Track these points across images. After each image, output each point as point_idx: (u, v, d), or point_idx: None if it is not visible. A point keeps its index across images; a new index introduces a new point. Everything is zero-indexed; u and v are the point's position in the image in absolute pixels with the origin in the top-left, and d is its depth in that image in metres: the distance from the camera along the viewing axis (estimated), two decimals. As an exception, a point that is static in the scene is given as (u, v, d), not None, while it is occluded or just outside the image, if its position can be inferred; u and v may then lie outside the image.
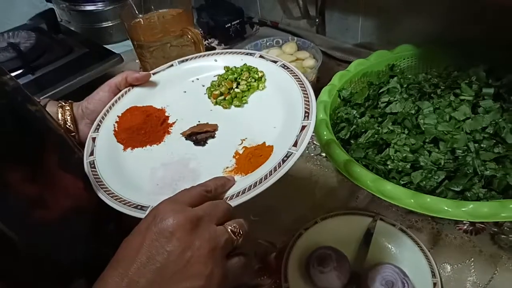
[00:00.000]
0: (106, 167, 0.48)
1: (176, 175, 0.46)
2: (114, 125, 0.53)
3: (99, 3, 1.16)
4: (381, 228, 0.61)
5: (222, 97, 0.55)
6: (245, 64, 0.58)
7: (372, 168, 0.62)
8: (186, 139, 0.51)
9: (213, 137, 0.50)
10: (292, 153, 0.41)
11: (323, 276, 0.54)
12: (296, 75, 0.52)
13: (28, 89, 0.84)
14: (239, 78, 0.56)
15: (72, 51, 0.94)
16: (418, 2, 0.85)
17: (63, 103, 0.56)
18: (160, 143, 0.51)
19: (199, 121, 0.53)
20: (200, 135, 0.50)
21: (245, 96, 0.55)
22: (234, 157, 0.47)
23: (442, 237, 0.61)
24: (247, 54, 0.59)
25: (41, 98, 0.54)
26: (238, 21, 1.12)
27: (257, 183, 0.40)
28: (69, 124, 0.55)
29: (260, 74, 0.55)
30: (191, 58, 0.61)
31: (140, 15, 0.84)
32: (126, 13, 0.83)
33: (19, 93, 0.41)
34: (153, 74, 0.59)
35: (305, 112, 0.46)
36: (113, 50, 0.98)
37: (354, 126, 0.69)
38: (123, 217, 0.41)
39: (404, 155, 0.61)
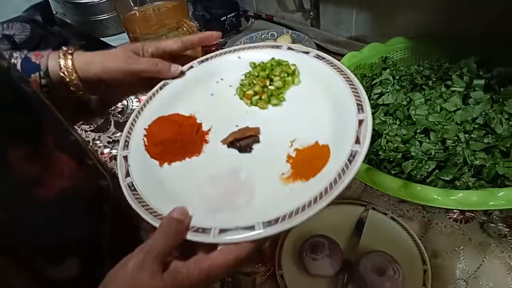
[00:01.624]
0: (148, 187, 0.42)
1: (229, 190, 0.41)
2: (143, 139, 0.48)
3: (95, -4, 1.15)
4: (373, 217, 0.62)
5: (257, 97, 0.50)
6: (273, 58, 0.52)
7: (364, 158, 0.62)
8: (228, 147, 0.46)
9: (258, 141, 0.45)
10: (357, 151, 0.37)
11: (316, 263, 0.55)
12: (335, 65, 0.48)
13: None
14: (271, 74, 0.51)
15: (67, 43, 0.94)
16: (411, -5, 0.86)
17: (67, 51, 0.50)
18: (199, 154, 0.46)
19: (237, 126, 0.47)
20: (243, 141, 0.45)
21: (282, 93, 0.50)
22: (287, 161, 0.42)
23: (433, 225, 0.62)
24: (273, 47, 0.54)
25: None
26: (233, 14, 1.12)
27: (328, 189, 0.36)
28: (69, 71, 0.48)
29: (293, 68, 0.51)
30: (211, 57, 0.56)
31: (136, 7, 0.84)
32: (122, 5, 0.83)
33: (15, 71, 0.40)
34: (172, 78, 0.54)
35: (358, 104, 0.41)
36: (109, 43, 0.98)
37: (347, 118, 0.70)
38: (119, 197, 0.41)
39: (396, 145, 0.62)
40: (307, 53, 0.51)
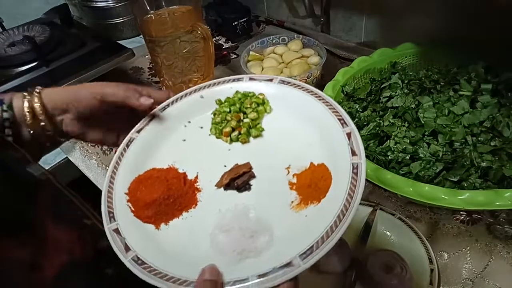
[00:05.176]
0: (158, 255, 0.38)
1: (246, 233, 0.38)
2: (128, 205, 0.43)
3: (110, 0, 1.19)
4: (381, 217, 0.63)
5: (236, 133, 0.48)
6: (237, 92, 0.51)
7: (373, 158, 0.64)
8: (225, 189, 0.43)
9: (254, 176, 0.43)
10: (359, 162, 0.37)
11: (325, 260, 0.57)
12: (304, 87, 0.47)
13: (43, 81, 0.87)
14: (243, 107, 0.50)
15: (85, 45, 0.96)
16: (420, 2, 0.87)
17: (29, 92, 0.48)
18: (196, 205, 0.43)
19: (225, 165, 0.45)
20: (239, 179, 0.43)
21: (259, 123, 0.49)
22: (291, 188, 0.41)
23: (440, 226, 0.63)
24: (234, 80, 0.53)
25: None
26: (245, 19, 1.15)
27: (346, 204, 0.35)
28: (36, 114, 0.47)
29: (261, 97, 0.50)
30: (173, 102, 0.53)
31: (152, 11, 0.87)
32: (138, 8, 0.85)
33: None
34: (137, 132, 0.50)
35: (339, 119, 0.42)
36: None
37: (356, 119, 0.71)
38: None
39: (404, 146, 0.63)
40: (270, 80, 0.50)
